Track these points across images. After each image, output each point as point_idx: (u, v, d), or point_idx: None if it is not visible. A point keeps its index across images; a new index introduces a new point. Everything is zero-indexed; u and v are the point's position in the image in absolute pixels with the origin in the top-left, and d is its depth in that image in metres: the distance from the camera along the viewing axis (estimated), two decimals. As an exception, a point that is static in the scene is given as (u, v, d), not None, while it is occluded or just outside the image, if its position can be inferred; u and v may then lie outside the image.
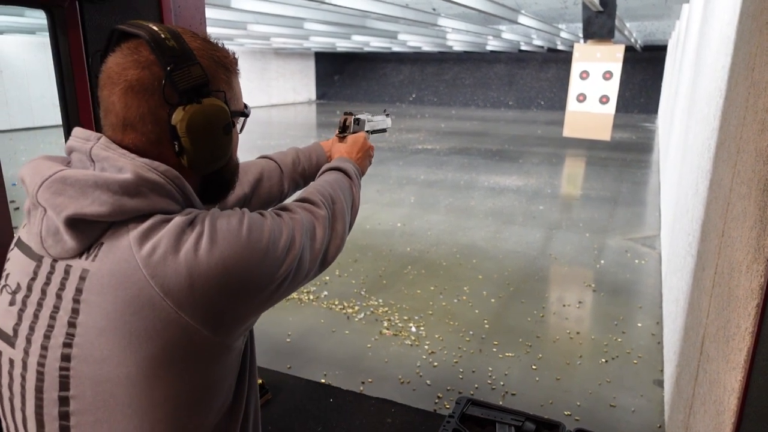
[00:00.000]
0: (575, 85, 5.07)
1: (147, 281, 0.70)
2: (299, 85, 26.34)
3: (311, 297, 4.35)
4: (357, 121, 1.38)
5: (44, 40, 14.14)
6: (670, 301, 3.36)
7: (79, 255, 0.74)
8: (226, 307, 0.75)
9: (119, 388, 0.73)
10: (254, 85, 23.02)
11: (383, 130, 1.53)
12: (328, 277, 4.75)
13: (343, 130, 1.36)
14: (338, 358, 3.44)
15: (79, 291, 0.73)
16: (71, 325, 0.73)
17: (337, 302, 4.26)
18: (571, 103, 5.11)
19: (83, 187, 0.72)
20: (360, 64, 27.68)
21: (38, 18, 9.29)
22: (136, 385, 0.73)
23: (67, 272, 0.75)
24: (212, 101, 0.79)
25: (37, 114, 14.40)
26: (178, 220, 0.74)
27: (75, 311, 0.73)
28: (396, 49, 19.63)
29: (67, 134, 1.54)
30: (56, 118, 1.86)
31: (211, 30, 9.86)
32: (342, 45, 18.03)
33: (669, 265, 3.88)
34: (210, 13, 7.67)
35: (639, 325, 3.92)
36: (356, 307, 4.18)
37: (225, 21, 8.82)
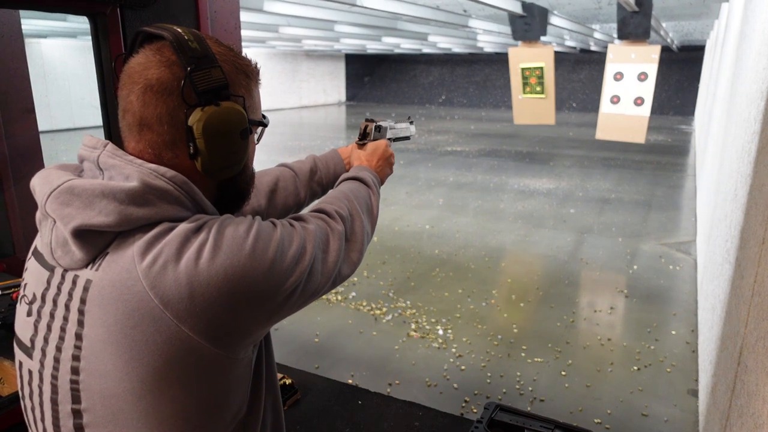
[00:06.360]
0: (609, 87, 4.96)
1: (146, 293, 0.69)
2: (330, 86, 26.54)
3: (339, 298, 4.38)
4: (378, 128, 1.33)
5: (84, 43, 14.59)
6: (706, 308, 3.27)
7: (86, 265, 0.73)
8: (228, 320, 0.72)
9: (126, 403, 0.72)
10: (285, 87, 23.26)
11: (406, 138, 1.48)
12: (356, 279, 4.77)
13: (364, 137, 1.31)
14: (366, 360, 3.45)
15: (83, 302, 0.72)
16: (78, 337, 0.73)
17: (365, 303, 4.28)
18: (605, 105, 5.01)
19: (90, 197, 0.71)
20: (390, 65, 27.72)
21: (79, 23, 9.60)
22: (142, 399, 0.71)
23: (74, 282, 0.74)
24: (230, 105, 0.78)
25: (78, 115, 14.87)
26: (183, 227, 0.72)
27: (81, 323, 0.72)
28: (426, 50, 19.57)
29: (107, 134, 1.59)
30: (96, 119, 1.91)
31: (243, 33, 9.98)
32: (372, 47, 18.08)
33: (705, 271, 3.77)
34: (243, 16, 7.79)
35: (673, 332, 3.83)
36: (384, 309, 4.19)
37: (257, 24, 8.95)
